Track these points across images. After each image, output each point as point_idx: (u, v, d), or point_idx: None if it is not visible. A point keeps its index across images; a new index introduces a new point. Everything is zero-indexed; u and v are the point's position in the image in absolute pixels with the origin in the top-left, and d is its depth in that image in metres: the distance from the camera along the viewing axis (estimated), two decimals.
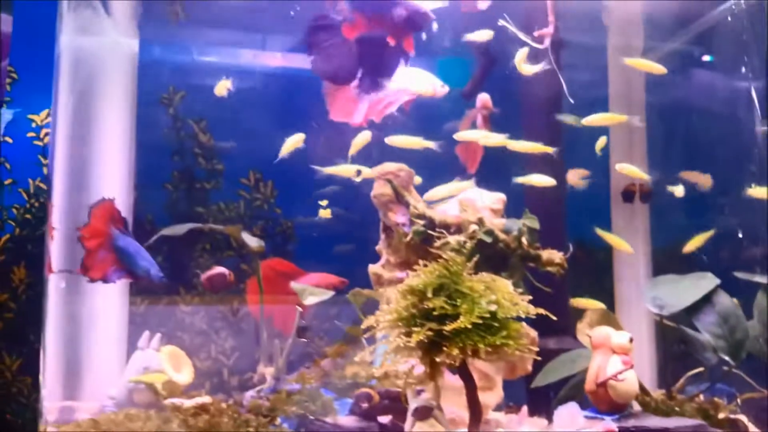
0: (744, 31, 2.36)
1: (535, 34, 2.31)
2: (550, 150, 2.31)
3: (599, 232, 2.44)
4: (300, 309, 2.15)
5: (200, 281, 2.27)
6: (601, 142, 2.41)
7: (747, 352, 2.14)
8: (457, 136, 2.40)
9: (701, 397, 2.18)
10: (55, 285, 2.15)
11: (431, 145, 2.31)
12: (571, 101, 2.38)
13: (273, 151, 2.38)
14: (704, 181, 2.44)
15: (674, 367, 2.31)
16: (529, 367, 2.20)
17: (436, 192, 2.36)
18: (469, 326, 1.64)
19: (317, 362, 2.22)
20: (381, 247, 2.31)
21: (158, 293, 2.52)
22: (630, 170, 2.46)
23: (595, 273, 2.69)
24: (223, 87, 2.29)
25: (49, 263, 2.08)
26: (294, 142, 2.32)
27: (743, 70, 2.41)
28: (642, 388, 2.03)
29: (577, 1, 2.57)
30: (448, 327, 1.64)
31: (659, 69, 2.36)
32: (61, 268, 2.11)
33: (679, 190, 2.46)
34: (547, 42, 2.29)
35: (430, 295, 1.71)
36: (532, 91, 2.58)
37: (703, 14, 2.57)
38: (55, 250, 2.09)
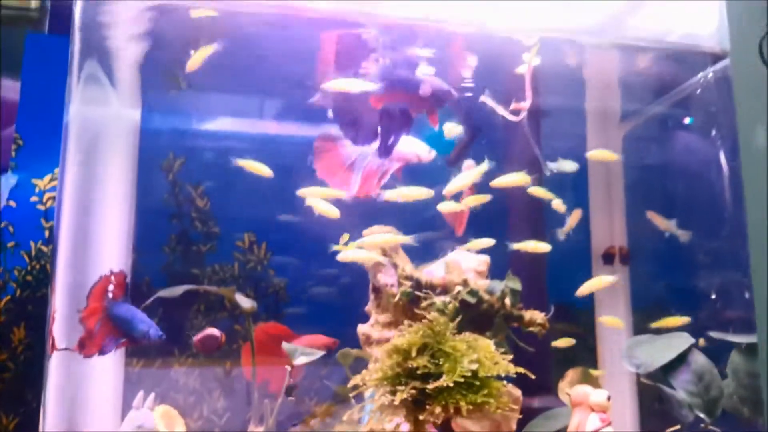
0: (713, 102, 2.51)
1: (512, 107, 2.43)
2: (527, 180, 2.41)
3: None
4: (289, 368, 2.22)
5: (192, 343, 2.33)
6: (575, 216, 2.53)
7: (722, 409, 2.21)
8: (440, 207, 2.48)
9: None
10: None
11: (430, 194, 2.39)
12: (547, 173, 2.51)
13: (268, 214, 2.49)
14: (668, 226, 2.55)
15: (655, 424, 2.37)
16: (514, 426, 2.25)
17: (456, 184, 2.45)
18: (451, 384, 1.73)
19: (307, 420, 2.27)
20: (370, 307, 2.39)
21: (153, 355, 2.58)
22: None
23: (578, 332, 2.77)
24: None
25: (52, 342, 2.15)
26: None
27: (714, 135, 2.54)
28: None
29: (559, 68, 2.70)
30: (431, 385, 1.73)
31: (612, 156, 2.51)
32: (61, 343, 2.17)
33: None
34: (523, 115, 2.41)
35: (414, 354, 1.79)
36: (514, 158, 2.71)
37: (677, 84, 2.71)
38: (59, 323, 2.16)
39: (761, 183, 2.25)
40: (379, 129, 2.41)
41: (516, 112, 2.37)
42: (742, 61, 2.29)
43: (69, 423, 2.17)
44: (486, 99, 2.39)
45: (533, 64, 2.32)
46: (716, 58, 2.46)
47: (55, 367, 2.15)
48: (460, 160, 2.67)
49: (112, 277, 2.17)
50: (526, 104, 2.36)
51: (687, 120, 2.75)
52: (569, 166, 2.55)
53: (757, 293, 2.25)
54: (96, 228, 2.30)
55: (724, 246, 2.48)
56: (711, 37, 2.44)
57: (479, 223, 2.55)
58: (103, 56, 2.33)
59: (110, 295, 2.17)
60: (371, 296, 2.39)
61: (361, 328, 2.35)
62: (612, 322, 2.40)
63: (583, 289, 2.50)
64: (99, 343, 2.15)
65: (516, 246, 2.46)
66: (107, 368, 2.30)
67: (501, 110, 2.37)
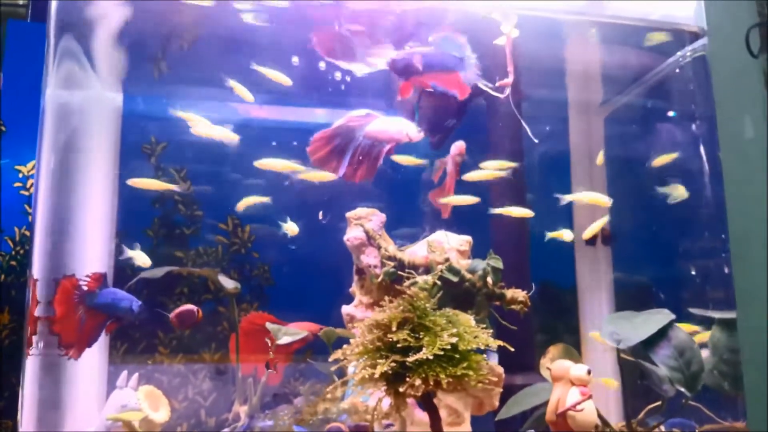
0: (690, 82, 2.53)
1: (497, 84, 2.45)
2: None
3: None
4: (269, 342, 2.23)
5: (169, 319, 2.34)
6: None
7: (703, 384, 2.23)
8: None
9: (661, 428, 2.26)
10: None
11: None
12: (535, 141, 2.51)
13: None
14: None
15: (637, 400, 2.39)
16: (496, 403, 2.28)
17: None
18: (431, 357, 1.74)
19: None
20: (354, 288, 2.41)
21: (138, 338, 2.59)
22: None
23: (561, 311, 2.79)
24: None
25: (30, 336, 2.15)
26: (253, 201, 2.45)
27: (693, 120, 2.57)
28: (602, 419, 2.11)
29: (540, 56, 2.71)
30: (411, 358, 1.74)
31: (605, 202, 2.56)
32: (40, 343, 2.17)
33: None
34: (507, 91, 2.43)
35: (394, 328, 1.80)
36: (499, 141, 2.73)
37: (654, 67, 2.73)
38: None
39: (739, 162, 2.29)
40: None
41: (501, 90, 2.38)
42: (719, 49, 2.33)
43: (51, 404, 2.18)
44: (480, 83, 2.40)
45: (512, 36, 2.31)
46: (694, 36, 2.48)
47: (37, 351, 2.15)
48: (444, 144, 2.70)
49: (72, 278, 2.17)
50: (509, 80, 2.36)
51: (667, 101, 2.77)
52: (678, 191, 2.57)
53: (736, 270, 2.29)
54: (78, 207, 2.30)
55: (704, 225, 2.51)
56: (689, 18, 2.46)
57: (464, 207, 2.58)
58: (81, 38, 2.32)
59: (84, 289, 2.18)
60: (355, 277, 2.41)
61: (345, 309, 2.37)
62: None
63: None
64: (87, 338, 2.16)
65: (497, 211, 2.47)
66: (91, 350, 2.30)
67: (487, 88, 2.38)
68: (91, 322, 2.17)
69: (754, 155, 2.33)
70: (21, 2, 3.16)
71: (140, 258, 2.41)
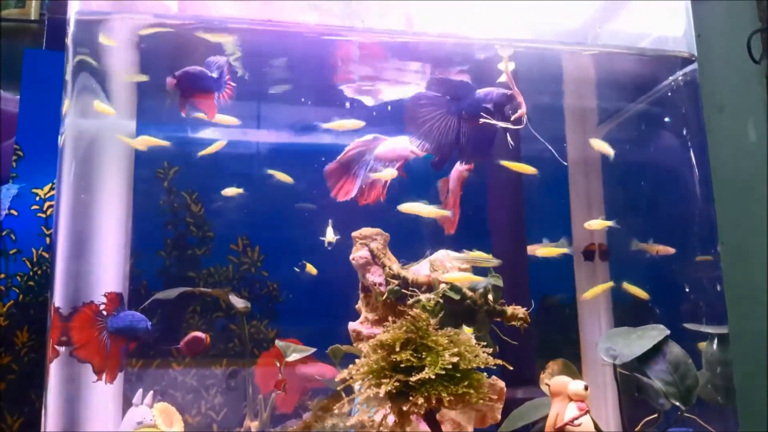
0: (683, 104, 2.61)
1: (513, 118, 2.49)
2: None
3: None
4: (278, 363, 2.32)
5: (178, 347, 2.42)
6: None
7: (697, 397, 2.30)
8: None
9: None
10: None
11: (446, 213, 2.51)
12: (564, 163, 2.57)
13: (260, 218, 2.59)
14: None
15: (635, 413, 2.46)
16: (498, 416, 2.35)
17: None
18: (433, 377, 1.82)
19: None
20: (360, 305, 2.49)
21: (152, 355, 2.68)
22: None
23: (561, 326, 2.87)
24: None
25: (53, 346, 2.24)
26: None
27: (685, 136, 2.65)
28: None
29: (538, 70, 2.79)
30: (414, 378, 1.82)
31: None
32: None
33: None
34: (525, 120, 2.47)
35: (398, 349, 1.89)
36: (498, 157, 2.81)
37: (651, 87, 2.81)
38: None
39: (729, 178, 2.36)
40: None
41: (518, 122, 2.42)
42: (718, 55, 2.39)
43: (70, 422, 2.26)
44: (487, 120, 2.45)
45: (509, 69, 2.39)
46: (685, 61, 2.56)
47: (55, 367, 2.23)
48: (445, 164, 2.77)
49: (91, 305, 2.25)
50: (523, 110, 2.40)
51: (660, 120, 2.84)
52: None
53: (728, 286, 2.36)
54: (95, 230, 2.38)
55: (698, 242, 2.59)
56: (679, 41, 2.54)
57: (465, 224, 2.65)
58: (96, 72, 2.41)
59: (104, 314, 2.26)
60: (361, 295, 2.49)
61: (352, 325, 2.44)
62: (636, 291, 2.51)
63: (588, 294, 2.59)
64: (117, 362, 2.26)
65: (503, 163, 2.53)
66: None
67: (503, 124, 2.43)
68: (116, 348, 2.26)
69: (751, 164, 2.39)
70: (33, 18, 3.27)
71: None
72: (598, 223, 2.62)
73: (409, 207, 2.43)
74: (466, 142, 2.44)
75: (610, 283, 2.54)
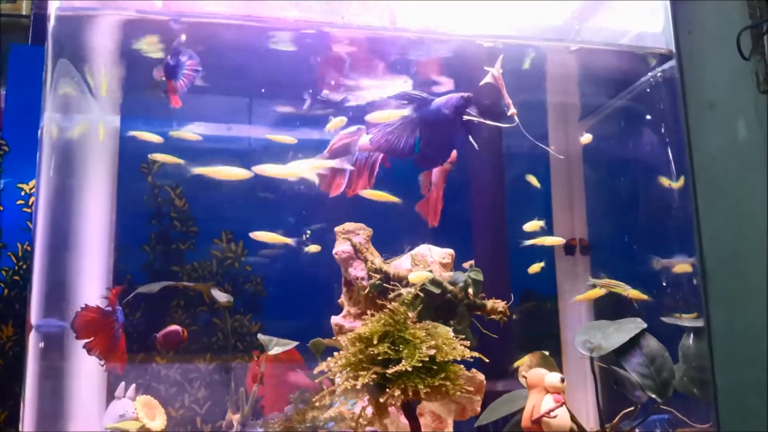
0: (661, 101, 2.64)
1: (509, 114, 2.51)
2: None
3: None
4: (256, 356, 2.34)
5: (156, 339, 2.43)
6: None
7: (674, 390, 2.34)
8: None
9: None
10: (33, 343, 2.30)
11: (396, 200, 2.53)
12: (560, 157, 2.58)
13: (243, 213, 2.61)
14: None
15: (613, 406, 2.49)
16: (478, 408, 2.38)
17: None
18: (410, 369, 1.85)
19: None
20: (343, 299, 2.52)
21: (135, 349, 2.70)
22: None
23: (542, 320, 2.90)
24: None
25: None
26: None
27: (663, 133, 2.68)
28: (577, 424, 2.22)
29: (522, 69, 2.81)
30: (391, 370, 1.85)
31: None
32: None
33: None
34: (516, 119, 2.48)
35: (375, 341, 1.92)
36: (481, 153, 2.84)
37: (630, 83, 2.84)
38: (35, 304, 2.25)
39: (717, 174, 2.39)
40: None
41: (512, 119, 2.44)
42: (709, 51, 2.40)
43: (53, 415, 2.27)
44: (472, 116, 2.47)
45: (497, 73, 2.41)
46: (663, 58, 2.59)
47: (36, 360, 2.24)
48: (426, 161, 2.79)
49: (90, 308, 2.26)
50: (513, 109, 2.42)
51: (640, 117, 2.87)
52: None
53: (707, 278, 2.40)
54: (78, 225, 2.40)
55: (676, 236, 2.62)
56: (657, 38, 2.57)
57: (446, 217, 2.68)
58: (79, 62, 2.42)
59: (110, 308, 2.27)
60: (343, 289, 2.52)
61: (334, 319, 2.47)
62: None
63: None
64: (124, 351, 2.30)
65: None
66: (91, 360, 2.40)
67: (491, 122, 2.45)
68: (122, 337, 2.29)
69: (740, 161, 2.42)
70: (24, 13, 3.28)
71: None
72: (531, 225, 2.64)
73: None
74: (424, 146, 2.47)
75: (618, 287, 2.55)
